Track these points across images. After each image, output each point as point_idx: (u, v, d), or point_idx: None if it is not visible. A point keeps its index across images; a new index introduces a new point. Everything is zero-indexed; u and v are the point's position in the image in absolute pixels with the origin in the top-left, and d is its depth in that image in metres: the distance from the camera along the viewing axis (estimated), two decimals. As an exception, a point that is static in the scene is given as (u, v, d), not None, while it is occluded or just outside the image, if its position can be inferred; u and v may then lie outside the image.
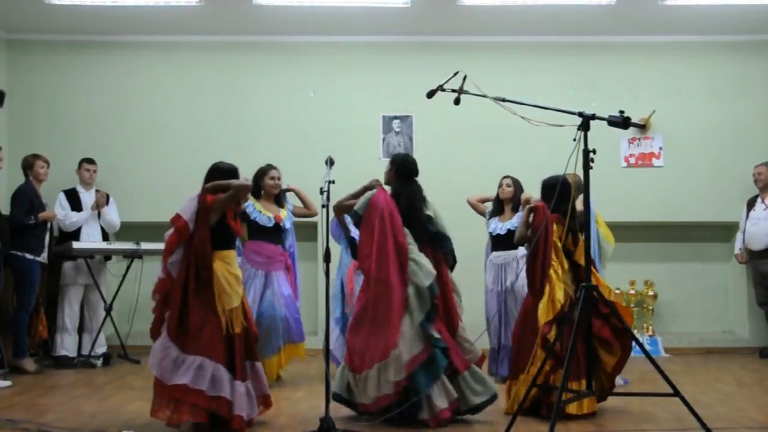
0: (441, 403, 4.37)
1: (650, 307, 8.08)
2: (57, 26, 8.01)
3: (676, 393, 3.78)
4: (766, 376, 6.46)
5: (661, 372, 3.83)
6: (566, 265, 4.78)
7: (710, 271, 8.36)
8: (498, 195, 6.35)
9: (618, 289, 8.11)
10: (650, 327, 8.02)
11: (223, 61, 8.25)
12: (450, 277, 4.76)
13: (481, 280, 6.44)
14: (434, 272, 4.51)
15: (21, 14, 7.73)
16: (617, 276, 8.08)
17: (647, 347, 6.85)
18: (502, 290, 6.11)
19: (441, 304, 4.55)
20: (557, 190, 4.60)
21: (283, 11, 7.66)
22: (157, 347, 4.23)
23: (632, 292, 8.11)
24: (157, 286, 4.37)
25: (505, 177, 6.37)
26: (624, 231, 8.25)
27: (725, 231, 8.10)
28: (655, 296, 8.10)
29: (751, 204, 7.71)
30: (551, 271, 4.70)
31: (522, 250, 5.99)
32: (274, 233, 5.88)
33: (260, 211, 5.83)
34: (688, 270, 8.34)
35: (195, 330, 4.20)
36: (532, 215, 4.93)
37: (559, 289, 4.65)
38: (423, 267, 4.50)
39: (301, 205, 6.29)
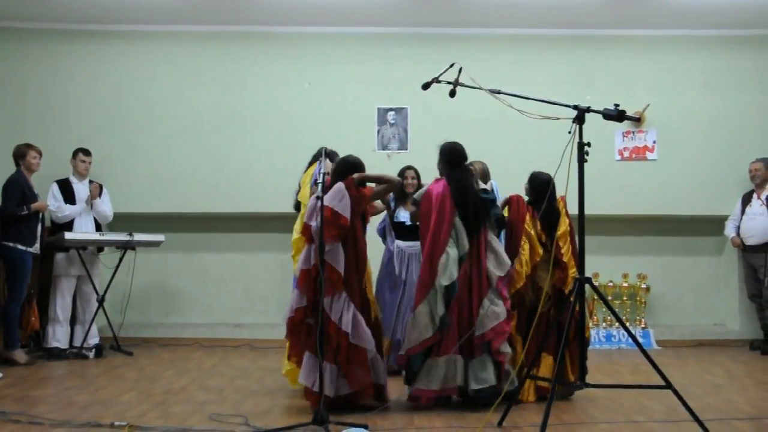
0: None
1: (643, 300, 8.12)
2: (50, 14, 7.96)
3: (668, 385, 3.80)
4: (755, 368, 6.51)
5: (653, 364, 3.85)
6: (542, 254, 5.01)
7: (702, 264, 8.40)
8: (402, 185, 6.21)
9: (611, 281, 8.15)
10: (643, 320, 8.06)
11: (218, 52, 8.22)
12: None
13: None
14: (455, 275, 4.68)
15: (13, 1, 7.67)
16: (611, 269, 8.14)
17: (640, 340, 6.91)
18: (402, 282, 6.03)
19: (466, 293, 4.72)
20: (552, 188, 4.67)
21: (279, 2, 7.63)
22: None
23: (625, 284, 8.15)
24: (301, 277, 4.56)
25: (408, 168, 6.35)
26: (617, 224, 8.31)
27: (718, 225, 8.13)
28: (647, 289, 8.13)
29: (746, 199, 7.75)
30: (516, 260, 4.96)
31: None
32: None
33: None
34: (681, 263, 8.38)
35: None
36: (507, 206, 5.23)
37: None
38: (448, 267, 4.68)
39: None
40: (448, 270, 4.67)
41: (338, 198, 4.54)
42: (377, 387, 4.65)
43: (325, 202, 4.48)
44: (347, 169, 4.75)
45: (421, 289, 4.72)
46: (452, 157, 4.96)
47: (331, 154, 5.31)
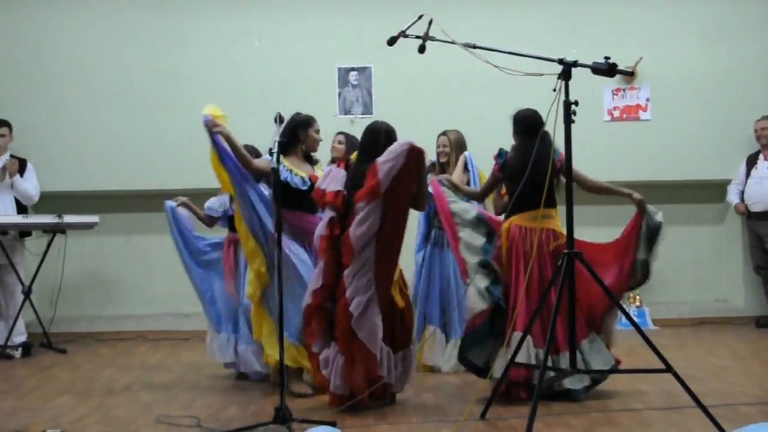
0: None
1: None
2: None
3: (668, 368, 3.85)
4: (763, 348, 6.65)
5: (651, 345, 3.89)
6: None
7: (702, 234, 8.51)
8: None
9: (602, 256, 8.23)
10: (637, 297, 8.16)
11: (155, 5, 8.09)
12: None
13: None
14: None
15: None
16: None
17: (635, 319, 7.01)
18: None
19: None
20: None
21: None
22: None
23: (618, 259, 8.23)
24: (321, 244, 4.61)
25: (338, 134, 6.35)
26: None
27: (719, 191, 8.24)
28: (642, 263, 8.23)
29: (751, 161, 7.86)
30: None
31: None
32: (310, 198, 5.08)
33: (291, 171, 5.12)
34: (679, 234, 8.44)
35: None
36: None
37: None
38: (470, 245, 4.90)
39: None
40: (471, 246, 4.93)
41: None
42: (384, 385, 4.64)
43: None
44: (377, 135, 4.78)
45: None
46: (520, 126, 4.98)
47: (308, 120, 5.23)
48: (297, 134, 5.19)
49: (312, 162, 5.36)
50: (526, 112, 5.01)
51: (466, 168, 5.86)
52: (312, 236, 4.92)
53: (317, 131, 5.31)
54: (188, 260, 5.93)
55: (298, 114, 5.24)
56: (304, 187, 5.11)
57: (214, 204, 5.94)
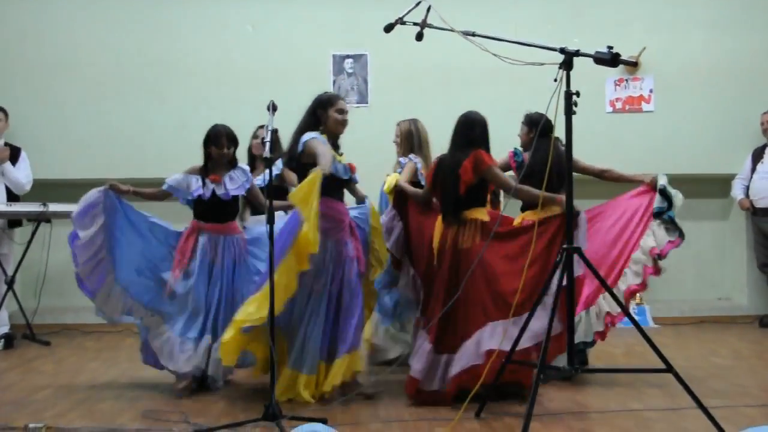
0: None
1: (638, 272, 8.23)
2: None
3: (669, 368, 3.86)
4: (766, 348, 6.67)
5: (651, 344, 3.90)
6: None
7: (705, 230, 8.51)
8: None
9: (602, 252, 8.24)
10: (637, 294, 8.16)
11: (143, -11, 8.08)
12: None
13: None
14: None
15: None
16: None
17: (635, 317, 7.02)
18: None
19: None
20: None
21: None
22: None
23: (618, 255, 8.24)
24: None
25: (260, 127, 6.27)
26: (607, 185, 8.34)
27: (723, 185, 8.25)
28: (643, 260, 8.24)
29: (757, 155, 7.86)
30: None
31: None
32: (340, 188, 4.94)
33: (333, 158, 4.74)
34: (681, 229, 8.50)
35: None
36: None
37: None
38: None
39: None
40: None
41: None
42: None
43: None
44: (477, 128, 4.92)
45: None
46: (543, 127, 4.85)
47: (329, 99, 4.89)
48: (317, 115, 4.88)
49: (337, 150, 4.95)
50: (542, 113, 4.98)
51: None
52: (343, 227, 4.81)
53: (340, 111, 4.86)
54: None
55: (324, 93, 4.99)
56: (345, 177, 4.87)
57: (180, 184, 5.50)
